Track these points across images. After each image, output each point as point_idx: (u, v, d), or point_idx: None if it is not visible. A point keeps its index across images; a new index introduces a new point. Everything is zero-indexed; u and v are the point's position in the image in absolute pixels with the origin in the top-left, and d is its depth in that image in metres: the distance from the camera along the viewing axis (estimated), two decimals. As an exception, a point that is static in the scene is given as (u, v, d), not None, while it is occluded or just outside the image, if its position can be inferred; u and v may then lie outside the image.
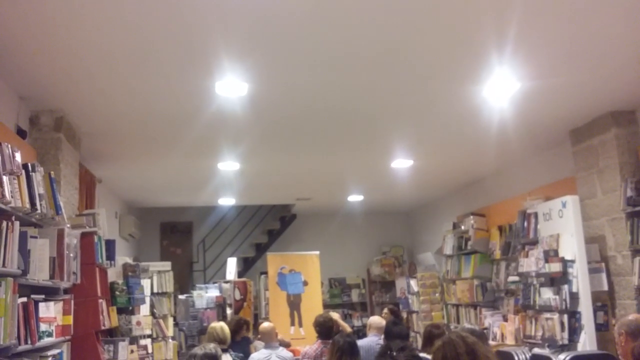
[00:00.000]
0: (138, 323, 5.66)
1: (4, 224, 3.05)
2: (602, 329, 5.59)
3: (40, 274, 3.58)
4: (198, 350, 3.76)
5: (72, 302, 4.18)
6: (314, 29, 3.68)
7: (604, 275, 5.62)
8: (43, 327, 3.65)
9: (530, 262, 6.07)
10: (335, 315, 6.79)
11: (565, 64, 4.43)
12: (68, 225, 4.14)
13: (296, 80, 4.55)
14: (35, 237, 3.54)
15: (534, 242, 6.27)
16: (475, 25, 3.75)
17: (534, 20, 3.68)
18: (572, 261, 5.59)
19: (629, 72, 4.68)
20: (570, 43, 4.06)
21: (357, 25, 3.67)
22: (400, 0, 3.40)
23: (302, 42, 3.86)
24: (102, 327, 4.74)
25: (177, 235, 11.72)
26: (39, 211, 3.54)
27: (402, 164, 7.55)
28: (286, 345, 6.52)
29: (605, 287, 5.61)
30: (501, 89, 4.83)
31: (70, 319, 4.09)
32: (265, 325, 6.18)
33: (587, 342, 5.36)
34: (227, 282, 9.33)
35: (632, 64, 4.50)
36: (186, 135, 5.81)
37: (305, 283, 9.53)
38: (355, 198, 10.29)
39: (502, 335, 7.05)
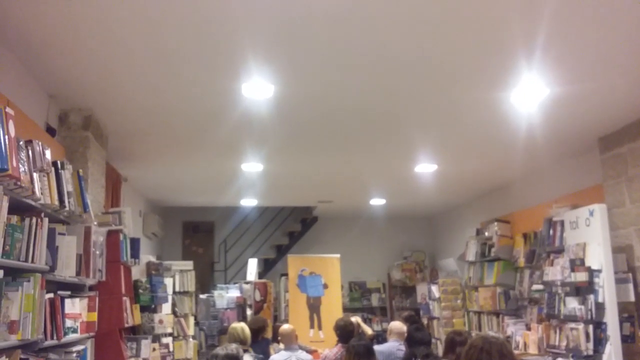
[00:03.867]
0: (160, 321, 5.71)
1: (34, 220, 3.10)
2: (628, 340, 5.48)
3: (67, 270, 3.63)
4: (220, 351, 3.78)
5: (97, 299, 4.23)
6: (341, 33, 3.68)
7: (631, 286, 5.50)
8: (68, 323, 3.69)
9: (556, 271, 5.97)
10: (357, 319, 6.77)
11: (594, 70, 4.36)
12: (95, 223, 4.19)
13: (322, 82, 4.55)
14: (64, 234, 3.59)
15: (560, 251, 6.17)
16: (504, 30, 3.71)
17: (562, 26, 3.63)
18: (599, 271, 5.48)
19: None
20: (599, 49, 4.00)
21: (385, 29, 3.66)
22: (428, 6, 3.39)
23: (329, 45, 3.86)
24: (126, 325, 4.79)
25: (199, 235, 11.81)
26: (67, 208, 3.58)
27: (426, 168, 7.49)
28: (310, 351, 6.50)
29: (632, 298, 5.48)
30: (529, 95, 4.77)
31: (94, 316, 4.14)
32: (285, 327, 6.18)
33: (612, 353, 5.26)
34: (247, 282, 9.36)
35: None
36: (211, 135, 5.85)
37: (325, 286, 9.50)
38: (377, 202, 10.25)
39: (525, 344, 6.95)
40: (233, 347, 3.80)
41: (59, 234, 3.51)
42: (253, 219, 11.51)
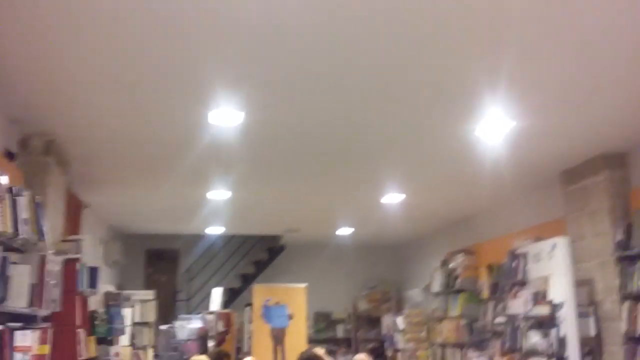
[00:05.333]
0: (116, 354, 5.50)
1: (-16, 248, 2.96)
2: (589, 375, 5.52)
3: (18, 300, 3.46)
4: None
5: (50, 331, 4.05)
6: (310, 61, 3.69)
7: (592, 320, 5.56)
8: (18, 356, 3.50)
9: (519, 304, 6.01)
10: (320, 351, 6.64)
11: (557, 105, 4.47)
12: (51, 252, 4.03)
13: (291, 110, 4.55)
14: (16, 263, 3.44)
15: (523, 283, 6.23)
16: (468, 64, 3.79)
17: (526, 61, 3.72)
18: (561, 304, 5.54)
19: (620, 115, 4.72)
20: (563, 85, 4.11)
21: (353, 59, 3.69)
22: (395, 39, 3.43)
23: (298, 73, 3.87)
24: (80, 358, 4.58)
25: (163, 263, 11.55)
26: (21, 236, 3.44)
27: (393, 198, 7.52)
28: None
29: (594, 332, 5.54)
30: (494, 128, 4.85)
31: (46, 349, 3.94)
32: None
33: (574, 388, 5.28)
34: (210, 313, 9.16)
35: (623, 108, 4.55)
36: (177, 163, 5.76)
37: (290, 316, 9.34)
38: (344, 231, 10.23)
39: (489, 377, 6.94)
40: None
41: (12, 262, 3.36)
42: (219, 247, 11.33)
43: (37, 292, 3.73)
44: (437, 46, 3.54)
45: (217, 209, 8.01)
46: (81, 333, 4.68)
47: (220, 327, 8.66)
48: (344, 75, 3.94)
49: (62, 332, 4.32)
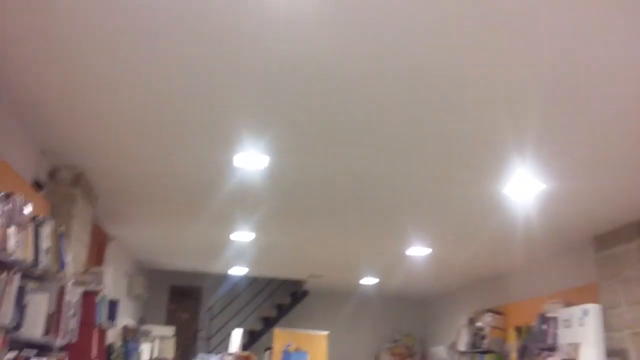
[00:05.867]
0: (130, 390, 5.44)
1: (3, 276, 2.99)
2: None
3: (34, 329, 3.47)
4: None
5: (65, 361, 4.04)
6: (339, 108, 3.70)
7: (624, 393, 5.26)
8: (29, 386, 3.50)
9: (547, 370, 5.73)
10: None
11: (587, 169, 4.36)
12: (71, 282, 4.06)
13: (317, 157, 4.55)
14: (34, 292, 3.46)
15: (552, 349, 5.96)
16: (496, 126, 3.77)
17: (554, 124, 3.69)
18: (592, 374, 5.26)
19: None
20: (593, 149, 4.02)
21: (381, 113, 3.70)
22: (424, 96, 3.45)
23: (325, 120, 3.87)
24: (92, 391, 4.54)
25: (185, 300, 11.52)
26: (42, 265, 3.48)
27: (419, 251, 7.38)
28: None
29: (626, 406, 5.23)
30: (522, 189, 4.76)
31: (58, 380, 3.93)
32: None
33: None
34: (230, 354, 9.02)
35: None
36: (202, 203, 5.81)
37: (310, 364, 9.14)
38: (369, 281, 10.05)
39: None
40: None
41: (30, 290, 3.38)
42: (242, 288, 11.27)
43: (54, 321, 3.74)
44: (465, 107, 3.55)
45: (241, 250, 7.99)
46: (95, 366, 4.65)
47: (239, 369, 8.49)
48: (371, 129, 3.95)
49: (76, 364, 4.30)
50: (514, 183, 4.65)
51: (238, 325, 10.43)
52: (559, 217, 5.53)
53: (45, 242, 3.54)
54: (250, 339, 10.85)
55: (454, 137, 3.99)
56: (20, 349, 3.42)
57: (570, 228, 5.89)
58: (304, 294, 11.37)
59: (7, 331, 3.13)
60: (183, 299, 11.50)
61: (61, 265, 3.83)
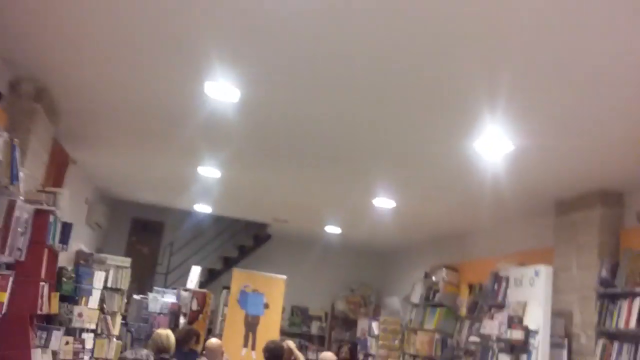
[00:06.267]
0: (80, 314, 5.40)
1: (-53, 182, 2.86)
2: (555, 407, 5.41)
3: (-22, 242, 3.37)
4: (129, 355, 3.56)
5: (11, 279, 3.95)
6: (314, 49, 3.59)
7: (565, 352, 5.45)
8: (-29, 299, 3.42)
9: (494, 325, 5.91)
10: (291, 344, 6.55)
11: (556, 131, 4.37)
12: (21, 198, 3.93)
13: (289, 98, 4.46)
14: (-19, 203, 3.34)
15: (501, 306, 6.12)
16: (469, 79, 3.72)
17: (526, 84, 3.66)
18: (536, 332, 5.43)
19: (620, 152, 4.61)
20: (563, 110, 4.02)
21: (354, 57, 3.62)
22: (400, 46, 3.38)
23: (298, 56, 3.75)
24: (39, 312, 4.49)
25: (147, 234, 11.45)
26: (-9, 177, 3.35)
27: (384, 203, 7.41)
28: None
29: (565, 365, 5.44)
30: (492, 147, 4.74)
31: (3, 297, 3.85)
32: (212, 341, 5.94)
33: (537, 418, 5.18)
34: (186, 290, 9.05)
35: (624, 144, 4.43)
36: (170, 132, 5.67)
37: (266, 306, 9.26)
38: (333, 230, 10.12)
39: (453, 395, 6.84)
40: (144, 353, 3.59)
41: (-25, 201, 3.26)
42: (205, 226, 11.22)
43: (1, 237, 3.64)
44: (438, 58, 3.49)
45: (206, 187, 7.91)
46: (44, 287, 4.58)
47: (195, 305, 8.52)
48: (343, 72, 3.86)
49: (23, 283, 4.22)
50: (483, 141, 4.63)
51: (198, 263, 10.46)
52: (525, 179, 5.57)
53: (-4, 154, 3.39)
54: (209, 278, 10.91)
55: (426, 87, 3.94)
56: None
57: (534, 191, 5.96)
58: (267, 237, 11.42)
59: (-50, 241, 3.02)
60: (144, 232, 11.43)
61: (12, 179, 3.69)
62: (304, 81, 4.08)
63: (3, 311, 3.89)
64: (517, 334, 5.48)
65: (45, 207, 4.41)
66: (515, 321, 5.58)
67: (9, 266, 4.04)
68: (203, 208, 9.90)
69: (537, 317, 5.49)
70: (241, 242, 11.46)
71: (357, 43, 3.39)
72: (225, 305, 9.29)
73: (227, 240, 11.51)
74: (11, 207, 3.67)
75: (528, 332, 5.45)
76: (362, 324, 10.69)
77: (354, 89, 4.10)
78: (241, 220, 11.28)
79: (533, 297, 5.62)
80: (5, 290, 3.86)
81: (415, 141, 5.04)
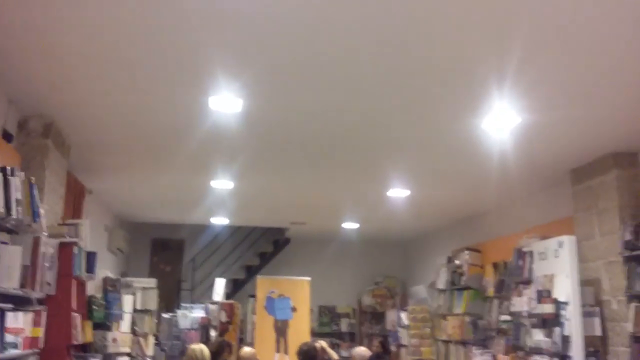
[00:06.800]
0: (114, 340, 5.47)
1: (-27, 227, 2.93)
2: (593, 375, 5.40)
3: (9, 282, 3.44)
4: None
5: (45, 313, 4.03)
6: (313, 48, 3.61)
7: (597, 320, 5.44)
8: (9, 338, 3.49)
9: (523, 302, 5.90)
10: (323, 344, 6.60)
11: (565, 100, 4.34)
12: (45, 234, 4.00)
13: (293, 99, 4.47)
14: (7, 243, 3.40)
15: (528, 282, 6.12)
16: (474, 56, 3.68)
17: (533, 53, 3.61)
18: (566, 303, 5.43)
19: (631, 114, 4.59)
20: (570, 79, 3.98)
21: (357, 49, 3.61)
22: (402, 30, 3.35)
23: (300, 61, 3.78)
24: (75, 342, 4.56)
25: (168, 253, 11.54)
26: (14, 217, 3.41)
27: (398, 193, 7.43)
28: None
29: (599, 332, 5.42)
30: (501, 123, 4.74)
31: (40, 331, 3.93)
32: (246, 350, 6.00)
33: (577, 388, 5.17)
34: (214, 303, 9.12)
35: (634, 106, 4.41)
36: (178, 149, 5.71)
37: (293, 309, 9.29)
38: (350, 225, 10.14)
39: (491, 375, 6.84)
40: (183, 370, 3.62)
41: (2, 242, 3.33)
42: (224, 238, 11.30)
43: (29, 274, 3.71)
44: (443, 38, 3.46)
45: (221, 200, 7.96)
46: (77, 317, 4.65)
47: (223, 317, 8.59)
48: (347, 66, 3.86)
49: (56, 316, 4.30)
50: (492, 118, 4.63)
51: (221, 275, 10.53)
52: (536, 152, 5.56)
53: (16, 194, 3.45)
54: (234, 288, 10.97)
55: (431, 71, 3.92)
56: (-3, 303, 3.39)
57: (547, 162, 5.94)
58: (286, 241, 11.46)
59: (-18, 283, 3.09)
60: (165, 252, 11.52)
61: (34, 216, 3.75)
62: (306, 79, 4.07)
63: (41, 346, 3.98)
64: (547, 308, 5.47)
65: (68, 239, 4.48)
66: (544, 295, 5.57)
67: (40, 301, 4.11)
68: (220, 220, 9.96)
69: (565, 289, 5.48)
70: (261, 249, 11.52)
71: (359, 31, 3.37)
72: (253, 313, 9.34)
73: (247, 249, 11.58)
74: (36, 244, 3.74)
75: (558, 305, 5.44)
76: (390, 315, 10.71)
77: (355, 80, 4.07)
78: (259, 228, 11.35)
79: (559, 268, 5.61)
80: (40, 325, 3.94)
81: (423, 127, 5.03)
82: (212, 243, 11.28)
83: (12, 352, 3.52)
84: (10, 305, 3.53)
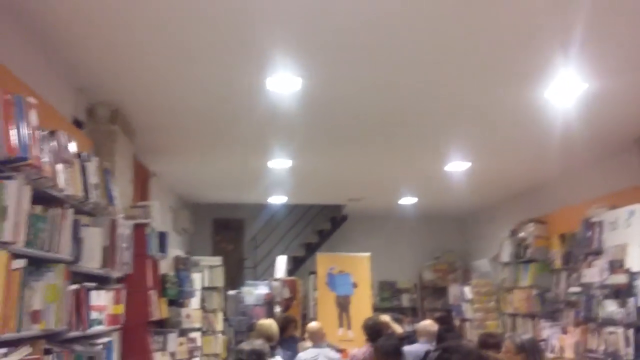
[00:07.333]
0: (188, 316, 5.69)
1: (58, 210, 3.08)
2: (671, 347, 5.22)
3: (91, 262, 3.61)
4: (245, 346, 3.73)
5: (124, 292, 4.22)
6: (373, 26, 3.58)
7: (674, 290, 5.24)
8: (94, 314, 3.67)
9: (594, 273, 5.74)
10: (386, 319, 6.64)
11: (633, 66, 4.15)
12: (121, 216, 4.18)
13: (351, 76, 4.47)
14: (88, 226, 3.57)
15: (598, 252, 5.94)
16: (538, 23, 3.58)
17: (600, 17, 3.48)
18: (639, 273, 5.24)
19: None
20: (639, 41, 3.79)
21: (416, 26, 3.58)
22: (462, 2, 3.26)
23: (358, 39, 3.76)
24: (152, 318, 4.77)
25: (229, 232, 11.82)
26: (92, 200, 3.57)
27: (458, 166, 7.32)
28: (339, 350, 6.40)
29: (676, 303, 5.22)
30: (565, 91, 4.58)
31: (121, 309, 4.13)
32: (313, 324, 6.11)
33: (654, 360, 5.02)
34: (276, 280, 9.31)
35: None
36: (237, 131, 5.82)
37: (354, 285, 9.39)
38: (408, 201, 10.09)
39: (561, 348, 6.71)
40: (259, 343, 3.75)
41: (84, 225, 3.49)
42: (282, 216, 11.45)
43: (109, 254, 3.88)
44: (504, 5, 3.36)
45: (278, 178, 8.06)
46: (153, 294, 4.86)
47: (286, 293, 8.78)
48: (405, 40, 3.82)
49: (134, 293, 4.49)
50: (556, 86, 4.48)
51: (281, 253, 10.71)
52: (602, 119, 5.36)
53: (93, 178, 3.61)
54: (294, 265, 11.14)
55: (492, 38, 3.83)
56: (81, 282, 3.57)
57: (612, 130, 5.72)
58: (344, 218, 11.51)
59: (68, 264, 3.26)
60: (227, 231, 11.80)
61: (110, 199, 3.92)
62: (364, 52, 4.04)
63: (122, 322, 4.18)
64: (620, 278, 5.30)
65: (141, 220, 4.66)
66: (616, 265, 5.40)
67: (119, 280, 4.30)
68: (278, 199, 10.10)
69: (638, 258, 5.29)
70: (319, 226, 11.62)
71: (414, 5, 3.33)
72: (315, 289, 9.49)
73: (305, 226, 11.70)
74: (114, 226, 3.90)
75: (632, 275, 5.26)
76: (453, 290, 10.65)
77: (415, 53, 4.03)
78: (317, 205, 11.43)
79: (631, 238, 5.41)
80: (121, 303, 4.14)
81: (483, 96, 4.92)
82: (270, 222, 11.46)
83: (97, 328, 3.71)
84: (93, 284, 3.72)
